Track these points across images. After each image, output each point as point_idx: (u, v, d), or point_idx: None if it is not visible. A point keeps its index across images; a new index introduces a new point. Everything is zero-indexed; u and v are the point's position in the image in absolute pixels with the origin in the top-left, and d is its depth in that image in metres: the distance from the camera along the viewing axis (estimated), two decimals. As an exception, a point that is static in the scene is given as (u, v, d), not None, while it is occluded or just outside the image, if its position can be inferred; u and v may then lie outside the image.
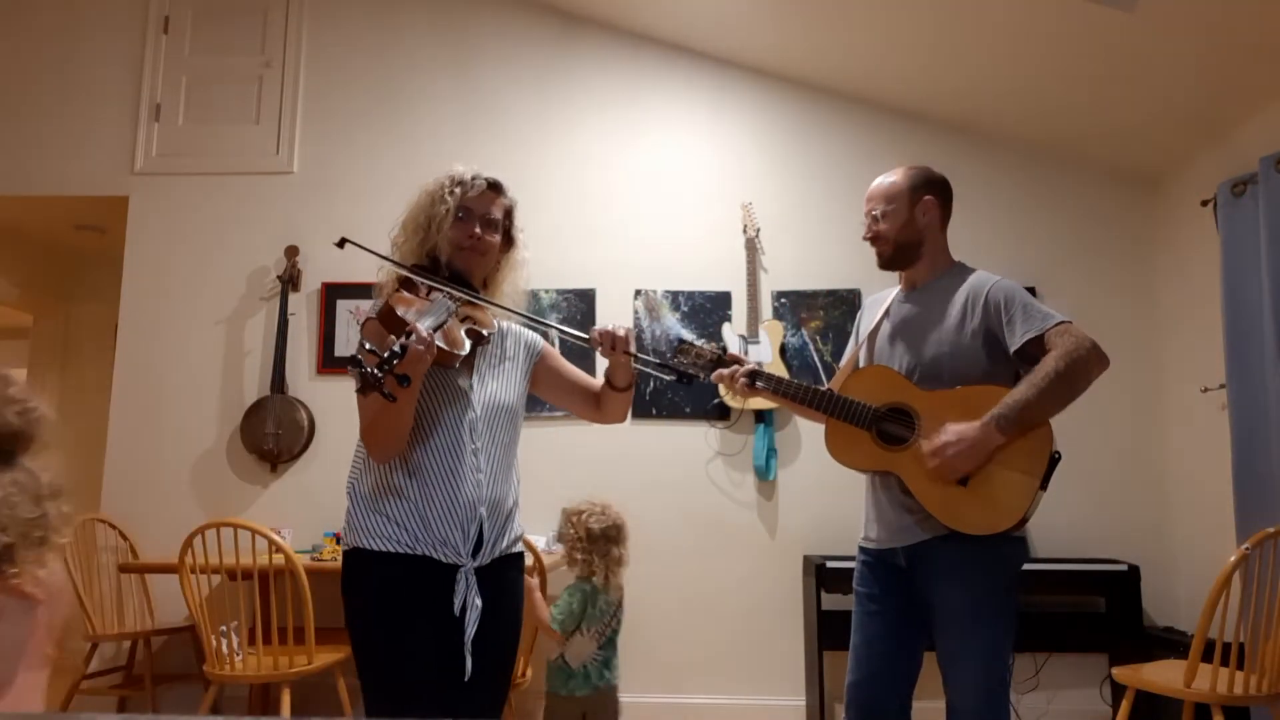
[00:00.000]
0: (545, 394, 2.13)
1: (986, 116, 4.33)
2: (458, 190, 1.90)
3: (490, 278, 2.01)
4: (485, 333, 1.87)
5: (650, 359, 1.99)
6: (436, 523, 1.79)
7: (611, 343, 1.93)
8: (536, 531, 4.01)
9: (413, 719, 1.69)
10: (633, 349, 1.96)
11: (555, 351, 2.15)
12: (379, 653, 1.76)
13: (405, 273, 1.84)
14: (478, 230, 1.92)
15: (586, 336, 1.95)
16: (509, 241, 2.01)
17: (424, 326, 1.68)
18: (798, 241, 4.43)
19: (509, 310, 1.96)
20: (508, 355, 2.02)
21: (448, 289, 1.83)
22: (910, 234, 2.24)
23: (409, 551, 1.78)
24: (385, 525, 1.79)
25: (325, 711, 3.93)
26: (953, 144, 4.43)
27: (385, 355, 1.57)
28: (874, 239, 2.28)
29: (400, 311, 1.72)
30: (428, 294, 1.82)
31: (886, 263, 2.29)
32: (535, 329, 2.13)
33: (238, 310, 4.54)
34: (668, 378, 1.95)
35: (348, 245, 1.89)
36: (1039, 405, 2.00)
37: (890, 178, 2.29)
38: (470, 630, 1.79)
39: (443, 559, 1.79)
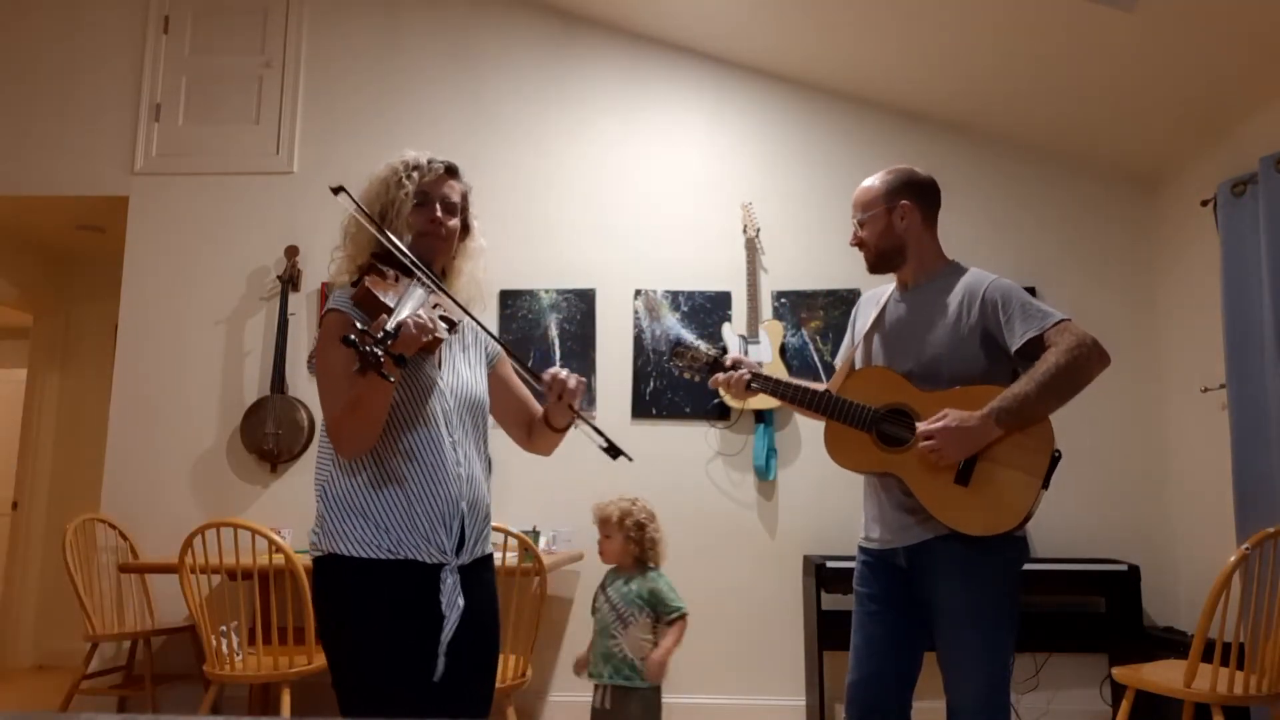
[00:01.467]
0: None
1: (986, 116, 4.33)
2: (415, 174, 1.83)
3: (448, 266, 1.93)
4: (455, 319, 1.80)
5: (590, 423, 1.85)
6: (421, 520, 1.72)
7: (560, 391, 1.83)
8: (538, 531, 4.01)
9: None
10: (578, 404, 1.84)
11: (507, 360, 2.06)
12: (361, 662, 1.69)
13: (397, 249, 1.75)
14: (439, 214, 1.85)
15: (539, 375, 1.85)
16: (465, 229, 1.93)
17: (409, 308, 1.63)
18: (798, 241, 4.43)
19: (469, 314, 1.86)
20: (468, 344, 1.95)
21: (424, 273, 1.76)
22: (890, 240, 2.24)
23: (391, 557, 1.70)
24: (364, 528, 1.70)
25: (325, 711, 3.93)
26: (953, 144, 4.43)
27: (380, 335, 1.52)
28: (858, 245, 2.30)
29: (379, 294, 1.67)
30: (396, 280, 1.76)
31: (872, 268, 2.30)
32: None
33: (238, 310, 4.54)
34: (600, 445, 1.81)
35: (342, 197, 1.77)
36: (1039, 400, 2.00)
37: (869, 183, 2.28)
38: (449, 631, 1.72)
39: (427, 559, 1.72)
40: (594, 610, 3.01)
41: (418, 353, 1.69)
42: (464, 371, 1.89)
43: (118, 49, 4.75)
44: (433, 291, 1.78)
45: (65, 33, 4.79)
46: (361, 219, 1.79)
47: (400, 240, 1.79)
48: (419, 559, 1.72)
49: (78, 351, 5.76)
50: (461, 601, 1.75)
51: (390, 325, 1.56)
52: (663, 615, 2.90)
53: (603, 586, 3.02)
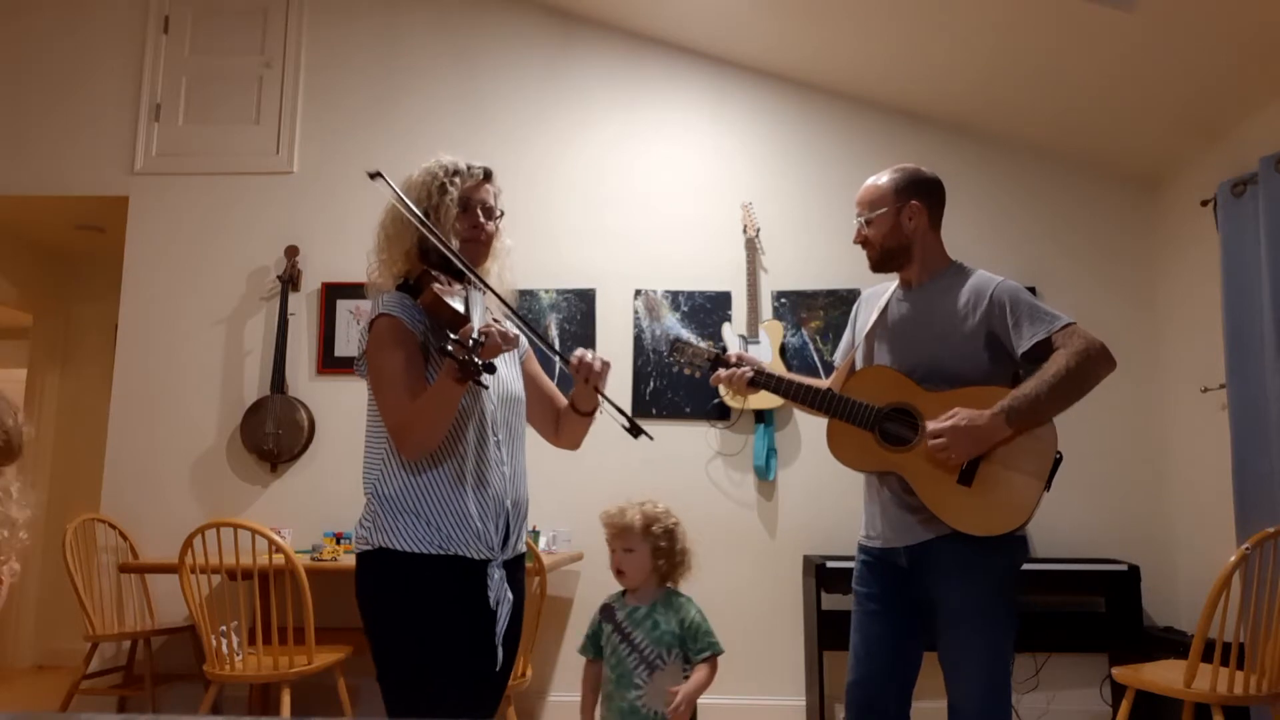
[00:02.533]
0: None
1: (986, 116, 4.33)
2: (457, 180, 1.88)
3: (480, 268, 1.96)
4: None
5: (614, 404, 1.94)
6: (473, 518, 1.77)
7: (587, 373, 1.90)
8: (538, 530, 4.01)
9: (449, 719, 1.68)
10: (604, 386, 1.92)
11: (533, 355, 2.13)
12: (411, 654, 1.72)
13: (449, 253, 1.81)
14: (482, 220, 1.90)
15: (565, 357, 1.91)
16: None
17: (478, 315, 1.70)
18: (798, 241, 4.43)
19: (513, 311, 1.93)
20: None
21: (479, 280, 1.83)
22: (897, 239, 2.22)
23: (441, 552, 1.74)
24: (416, 525, 1.75)
25: (325, 711, 3.93)
26: (953, 144, 4.43)
27: (470, 344, 1.59)
28: (862, 244, 2.27)
29: (450, 301, 1.72)
30: (450, 284, 1.80)
31: (875, 266, 2.28)
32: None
33: (238, 310, 4.54)
34: (623, 425, 1.91)
35: (380, 182, 1.82)
36: (1048, 402, 2.01)
37: (875, 181, 2.26)
38: (503, 624, 1.78)
39: (476, 556, 1.77)
40: (596, 651, 2.34)
41: None
42: (503, 371, 1.93)
43: (118, 49, 4.75)
44: (484, 294, 1.84)
45: (65, 33, 4.79)
46: (406, 212, 1.82)
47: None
48: (467, 555, 1.77)
49: (78, 351, 5.76)
50: (510, 595, 1.81)
51: (477, 334, 1.62)
52: (691, 653, 2.27)
53: (612, 621, 2.31)
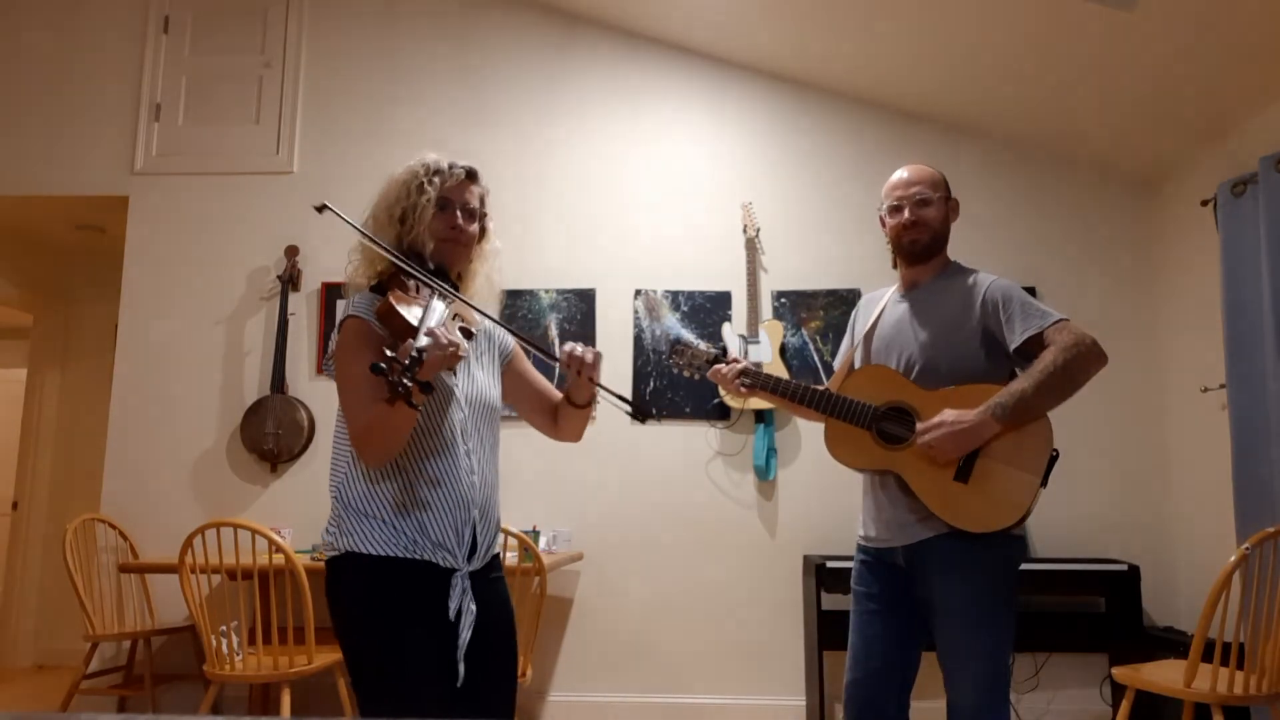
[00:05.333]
0: (506, 397, 2.02)
1: (987, 116, 4.33)
2: (436, 179, 1.82)
3: (464, 270, 1.93)
4: (473, 329, 1.81)
5: (612, 392, 1.87)
6: (433, 526, 1.73)
7: (579, 367, 1.84)
8: (538, 530, 4.01)
9: None
10: (599, 377, 1.87)
11: (522, 354, 2.07)
12: (382, 660, 1.69)
13: (402, 265, 1.75)
14: (460, 220, 1.85)
15: (553, 354, 1.85)
16: (481, 232, 1.93)
17: (431, 326, 1.63)
18: (798, 241, 4.42)
19: (486, 315, 1.88)
20: (484, 351, 1.95)
21: (440, 286, 1.76)
22: (945, 228, 2.25)
23: (406, 555, 1.71)
24: (381, 529, 1.72)
25: (325, 711, 3.93)
26: (953, 144, 4.43)
27: (407, 362, 1.52)
28: (914, 223, 2.21)
29: (403, 311, 1.66)
30: (417, 290, 1.76)
31: (920, 250, 2.22)
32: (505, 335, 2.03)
33: (238, 310, 4.54)
34: (626, 410, 1.87)
35: (326, 213, 1.78)
36: (1037, 398, 2.01)
37: (926, 169, 2.25)
38: (465, 636, 1.73)
39: (441, 563, 1.74)
40: None
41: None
42: (480, 377, 1.89)
43: (118, 49, 4.75)
44: (451, 301, 1.78)
45: (65, 33, 4.79)
46: (364, 239, 1.78)
47: (423, 246, 1.80)
48: (433, 560, 1.74)
49: (78, 351, 5.76)
50: (474, 607, 1.76)
51: (415, 351, 1.55)
52: None
53: None
